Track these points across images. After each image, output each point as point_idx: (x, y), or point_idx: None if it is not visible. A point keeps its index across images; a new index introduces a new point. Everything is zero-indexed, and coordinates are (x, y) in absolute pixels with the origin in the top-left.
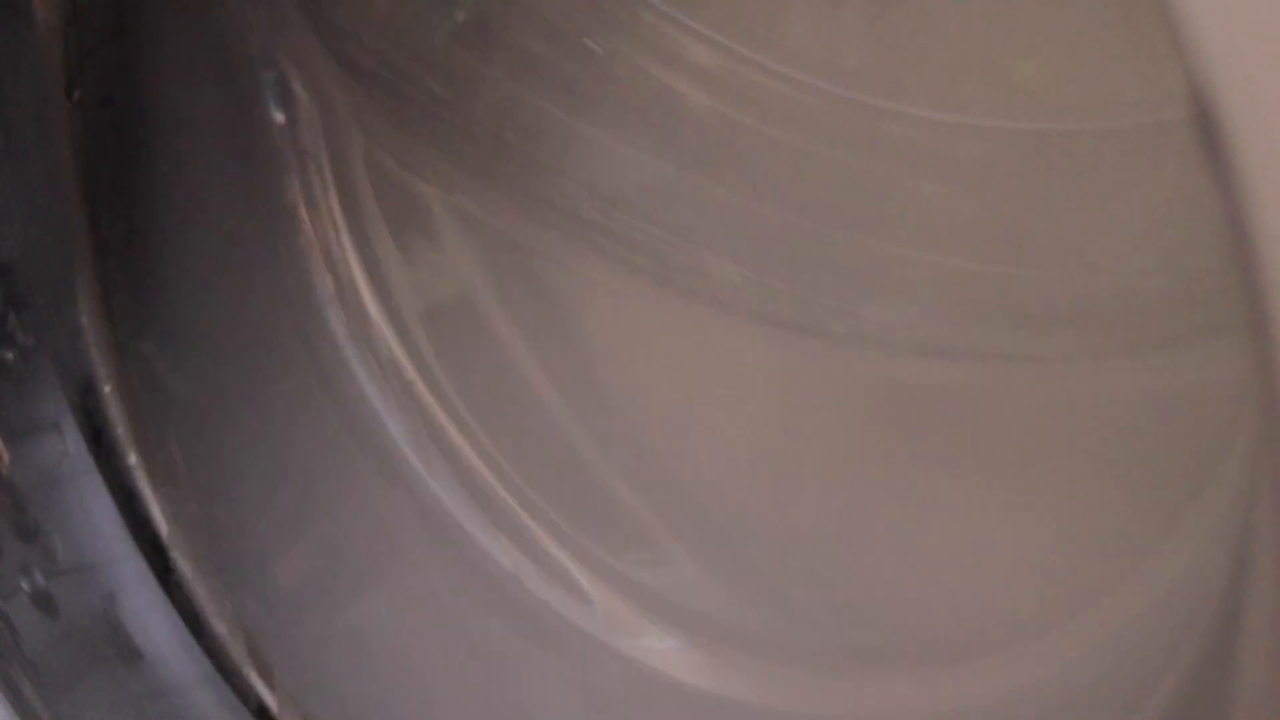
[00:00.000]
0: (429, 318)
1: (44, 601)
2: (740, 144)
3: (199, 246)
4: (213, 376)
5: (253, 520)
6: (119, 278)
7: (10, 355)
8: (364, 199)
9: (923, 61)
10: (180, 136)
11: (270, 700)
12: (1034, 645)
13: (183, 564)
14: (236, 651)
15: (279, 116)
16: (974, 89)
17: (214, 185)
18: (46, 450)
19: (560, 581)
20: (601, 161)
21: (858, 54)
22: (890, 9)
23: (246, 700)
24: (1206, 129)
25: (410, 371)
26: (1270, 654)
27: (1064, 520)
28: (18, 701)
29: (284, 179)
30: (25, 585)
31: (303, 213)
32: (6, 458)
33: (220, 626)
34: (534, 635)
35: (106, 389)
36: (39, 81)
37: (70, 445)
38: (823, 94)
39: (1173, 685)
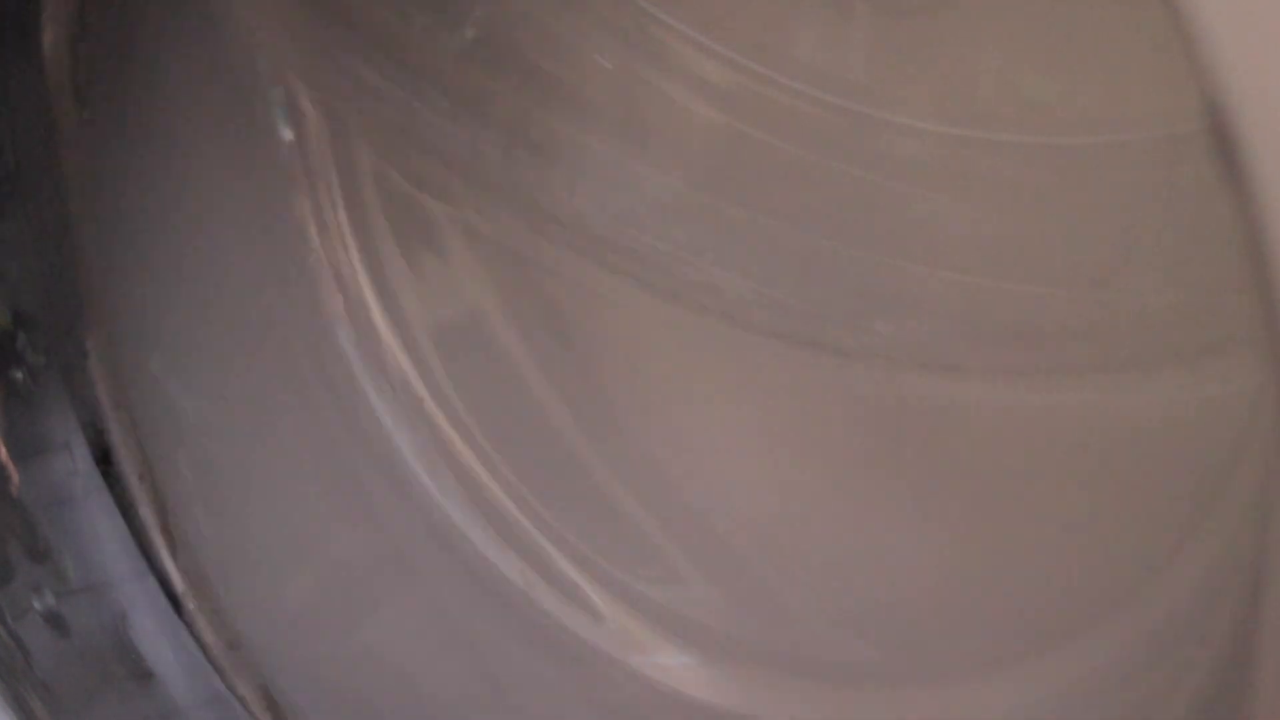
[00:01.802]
0: (439, 335)
1: (55, 621)
2: (751, 159)
3: (208, 265)
4: (222, 395)
5: (263, 538)
6: (128, 296)
7: (20, 375)
8: (373, 216)
9: (933, 76)
10: (189, 154)
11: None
12: (1045, 660)
13: (194, 583)
14: (247, 671)
15: (288, 134)
16: (985, 103)
17: (223, 203)
18: (57, 470)
19: (572, 598)
20: (612, 177)
21: (868, 68)
22: (900, 23)
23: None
24: (1221, 141)
25: (420, 388)
26: None
27: (1076, 536)
28: None
29: (293, 196)
30: (37, 605)
31: (312, 230)
32: (17, 478)
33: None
34: (546, 652)
35: (116, 408)
36: (48, 102)
37: (80, 465)
38: (833, 108)
39: (1187, 700)
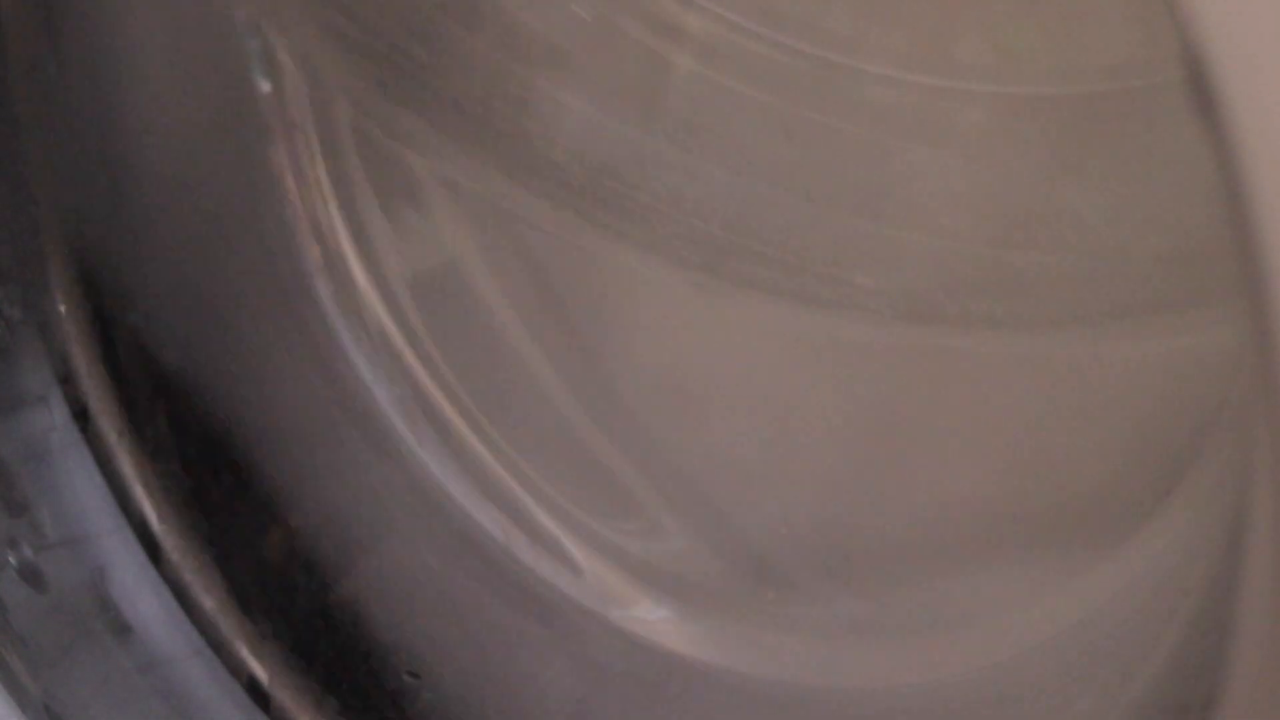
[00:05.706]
0: (417, 287)
1: (32, 575)
2: (729, 110)
3: (185, 217)
4: (199, 348)
5: (242, 493)
6: (104, 250)
7: None
8: (351, 169)
9: (913, 26)
10: (166, 106)
11: (260, 673)
12: (1028, 612)
13: (172, 537)
14: (227, 625)
15: (265, 86)
16: (965, 54)
17: (200, 155)
18: (34, 424)
19: (552, 552)
20: (590, 129)
21: (848, 19)
22: None
23: (237, 673)
24: (1200, 91)
25: (399, 341)
26: (1267, 620)
27: (1056, 487)
28: (6, 675)
29: (270, 149)
30: (13, 559)
31: (289, 182)
32: None
33: (210, 600)
34: (526, 606)
35: (93, 362)
36: (23, 52)
37: (58, 419)
38: (812, 59)
39: (1169, 651)
